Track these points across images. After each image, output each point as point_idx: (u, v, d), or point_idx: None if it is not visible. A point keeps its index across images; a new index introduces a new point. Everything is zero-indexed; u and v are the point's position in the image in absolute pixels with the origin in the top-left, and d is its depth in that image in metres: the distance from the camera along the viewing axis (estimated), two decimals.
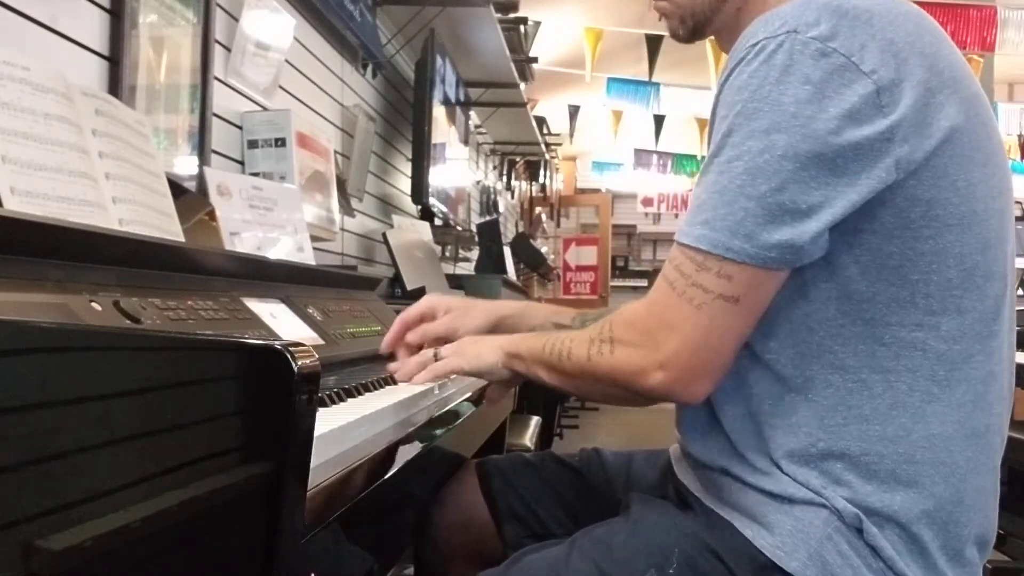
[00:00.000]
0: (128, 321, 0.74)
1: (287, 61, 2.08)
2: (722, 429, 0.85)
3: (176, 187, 1.17)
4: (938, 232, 0.76)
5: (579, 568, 0.83)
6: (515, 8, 4.17)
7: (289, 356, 0.51)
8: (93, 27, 1.36)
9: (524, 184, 7.47)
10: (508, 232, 6.24)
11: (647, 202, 11.01)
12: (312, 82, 2.32)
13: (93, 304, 0.72)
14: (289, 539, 0.53)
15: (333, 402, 0.89)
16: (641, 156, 8.32)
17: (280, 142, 1.87)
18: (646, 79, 5.38)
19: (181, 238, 1.11)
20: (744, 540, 0.80)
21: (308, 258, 1.56)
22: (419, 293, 2.20)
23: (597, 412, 6.63)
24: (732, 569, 0.80)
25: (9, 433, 0.41)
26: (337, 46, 2.53)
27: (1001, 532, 0.98)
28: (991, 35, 4.61)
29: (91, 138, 0.97)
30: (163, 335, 0.63)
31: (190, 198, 1.30)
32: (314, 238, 1.69)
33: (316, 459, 0.61)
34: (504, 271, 3.90)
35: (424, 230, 2.95)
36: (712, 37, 0.96)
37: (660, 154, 8.19)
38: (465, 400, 1.20)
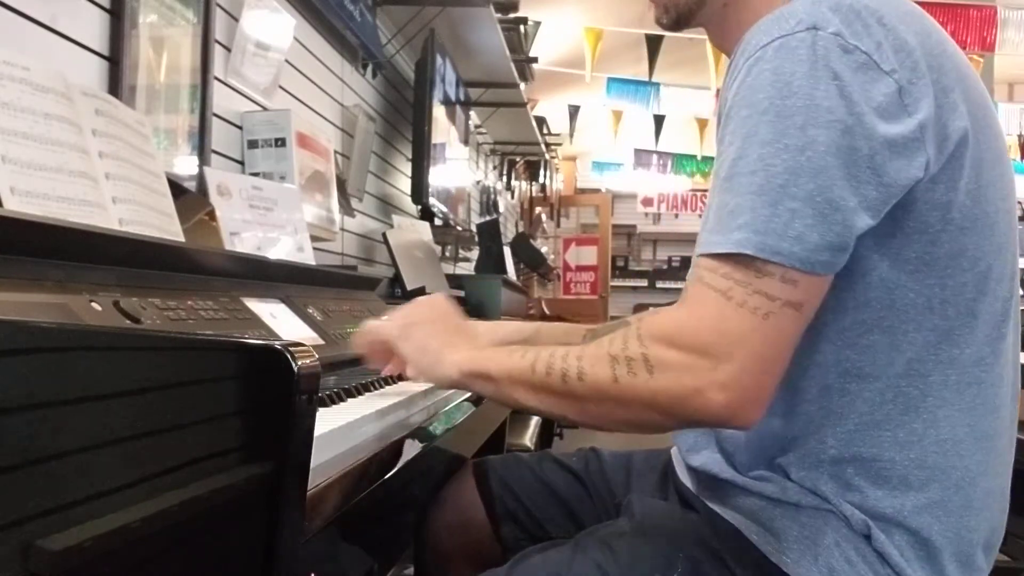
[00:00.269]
0: (128, 321, 0.74)
1: (287, 61, 2.08)
2: (722, 438, 0.85)
3: (176, 187, 1.17)
4: (953, 236, 0.75)
5: (582, 570, 0.83)
6: (515, 8, 4.17)
7: (289, 356, 0.51)
8: (93, 27, 1.36)
9: (524, 184, 7.47)
10: (508, 232, 6.24)
11: (647, 202, 11.00)
12: (312, 82, 2.32)
13: (93, 304, 0.72)
14: (289, 539, 0.53)
15: (333, 402, 0.89)
16: (641, 156, 8.31)
17: (280, 142, 1.87)
18: (646, 79, 5.37)
19: (181, 238, 1.11)
20: (749, 545, 0.79)
21: (308, 258, 1.56)
22: (419, 293, 2.21)
23: None
24: (737, 574, 0.80)
25: (9, 433, 0.41)
26: (337, 46, 2.53)
27: None
28: (991, 35, 4.61)
29: (91, 138, 0.97)
30: (163, 335, 0.63)
31: (190, 198, 1.30)
32: (314, 238, 1.69)
33: (316, 459, 0.61)
34: (504, 271, 3.90)
35: (424, 230, 2.95)
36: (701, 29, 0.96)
37: (660, 154, 8.18)
38: (465, 400, 1.20)
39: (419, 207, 2.99)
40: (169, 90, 1.59)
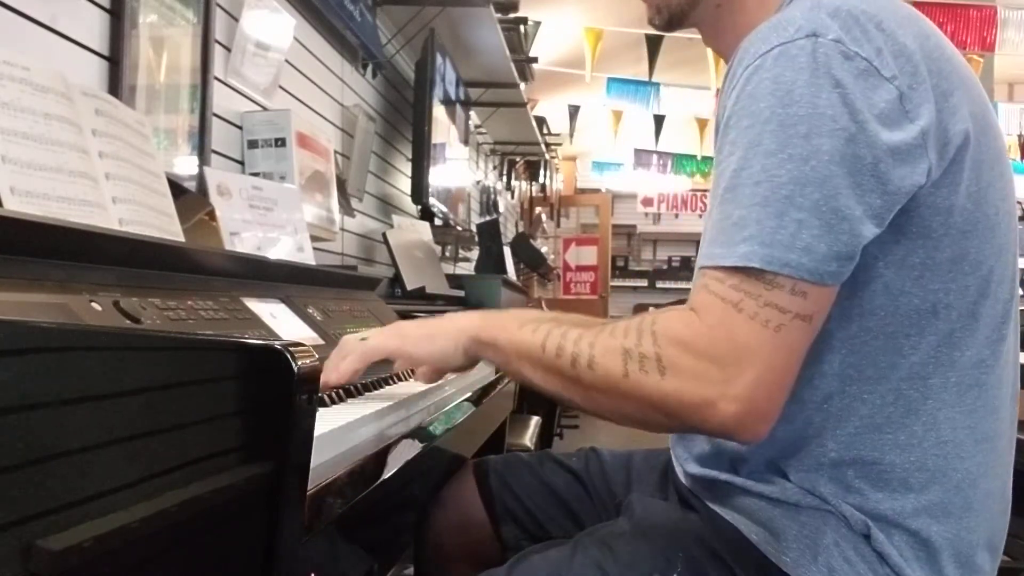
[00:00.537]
0: (128, 321, 0.74)
1: (287, 61, 2.08)
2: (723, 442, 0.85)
3: (176, 187, 1.17)
4: (955, 240, 0.74)
5: (582, 570, 0.83)
6: (515, 8, 4.17)
7: (289, 356, 0.51)
8: (93, 27, 1.36)
9: (524, 184, 7.47)
10: (508, 232, 6.24)
11: (647, 202, 11.00)
12: (312, 82, 2.32)
13: (93, 304, 0.72)
14: (289, 539, 0.53)
15: (333, 402, 0.89)
16: (641, 156, 8.31)
17: (280, 142, 1.87)
18: (646, 79, 5.37)
19: (181, 238, 1.11)
20: (749, 545, 0.80)
21: (308, 258, 1.56)
22: (419, 293, 2.21)
23: None
24: (736, 574, 0.80)
25: (9, 433, 0.41)
26: (337, 46, 2.53)
27: None
28: (991, 35, 4.61)
29: (91, 138, 0.97)
30: (163, 335, 0.63)
31: (190, 198, 1.30)
32: (314, 238, 1.69)
33: (316, 459, 0.61)
34: (504, 271, 3.89)
35: (424, 230, 2.95)
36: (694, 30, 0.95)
37: (660, 154, 8.18)
38: (465, 400, 1.20)
39: (419, 207, 2.99)
40: (169, 90, 1.59)
